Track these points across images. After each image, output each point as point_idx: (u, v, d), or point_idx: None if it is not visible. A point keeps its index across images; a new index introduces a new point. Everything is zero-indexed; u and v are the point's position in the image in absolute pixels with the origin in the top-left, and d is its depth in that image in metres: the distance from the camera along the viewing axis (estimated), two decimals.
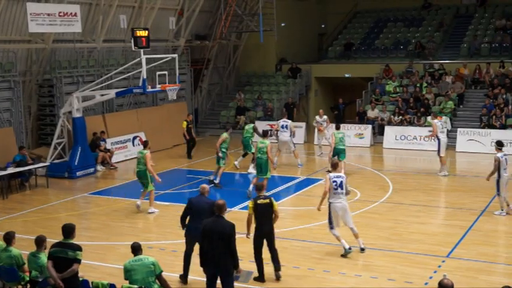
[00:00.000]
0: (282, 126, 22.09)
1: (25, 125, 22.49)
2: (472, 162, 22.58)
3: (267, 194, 17.22)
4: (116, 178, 21.49)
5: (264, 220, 11.32)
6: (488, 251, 12.96)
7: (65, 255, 9.01)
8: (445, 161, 20.04)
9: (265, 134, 18.27)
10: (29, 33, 21.64)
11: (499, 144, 15.57)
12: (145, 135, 24.65)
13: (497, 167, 15.08)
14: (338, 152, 19.86)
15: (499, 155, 15.14)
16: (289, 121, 22.36)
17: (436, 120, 20.19)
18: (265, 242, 11.50)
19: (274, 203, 11.40)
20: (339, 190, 12.55)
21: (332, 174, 12.70)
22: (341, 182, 12.56)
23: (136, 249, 9.67)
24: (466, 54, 30.77)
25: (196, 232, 10.93)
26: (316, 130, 24.91)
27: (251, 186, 17.41)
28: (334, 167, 12.99)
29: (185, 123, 24.02)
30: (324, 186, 12.71)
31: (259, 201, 11.24)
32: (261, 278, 11.45)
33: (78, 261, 9.07)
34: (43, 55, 22.98)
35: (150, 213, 16.28)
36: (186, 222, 11.44)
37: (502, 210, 15.33)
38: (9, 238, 10.38)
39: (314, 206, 16.45)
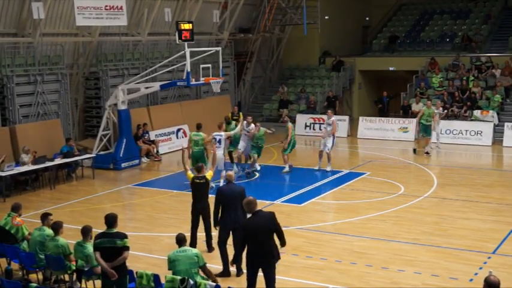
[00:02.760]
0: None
1: (72, 116, 22.89)
2: None
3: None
4: (160, 170, 21.73)
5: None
6: None
7: (114, 244, 9.05)
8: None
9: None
10: (76, 26, 22.02)
11: None
12: (189, 127, 24.83)
13: None
14: (425, 129, 22.14)
15: None
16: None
17: (333, 118, 20.10)
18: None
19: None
20: (217, 144, 17.31)
21: (214, 133, 17.85)
22: (219, 138, 17.71)
23: (181, 240, 9.77)
24: None
25: (231, 221, 11.18)
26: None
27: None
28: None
29: (230, 115, 24.12)
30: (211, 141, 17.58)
31: (196, 180, 12.38)
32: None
33: (127, 249, 9.12)
34: (89, 48, 23.34)
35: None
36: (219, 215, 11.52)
37: None
38: (56, 228, 10.60)
39: (357, 200, 16.47)
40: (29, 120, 20.77)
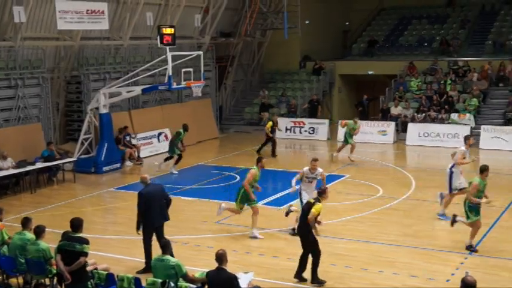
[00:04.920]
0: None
1: (53, 120, 22.80)
2: (495, 160, 22.42)
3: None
4: (141, 173, 21.69)
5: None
6: None
7: (72, 248, 9.28)
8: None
9: None
10: (57, 30, 22.00)
11: None
12: (170, 131, 24.89)
13: None
14: None
15: None
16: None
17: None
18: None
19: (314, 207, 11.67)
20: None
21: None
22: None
23: (162, 247, 9.82)
24: (491, 51, 30.58)
25: (154, 221, 11.67)
26: None
27: None
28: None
29: (270, 123, 24.00)
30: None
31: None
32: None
33: (85, 254, 9.31)
34: (71, 52, 23.31)
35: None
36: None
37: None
38: (39, 232, 10.59)
39: (337, 202, 16.61)
40: (10, 124, 20.68)
